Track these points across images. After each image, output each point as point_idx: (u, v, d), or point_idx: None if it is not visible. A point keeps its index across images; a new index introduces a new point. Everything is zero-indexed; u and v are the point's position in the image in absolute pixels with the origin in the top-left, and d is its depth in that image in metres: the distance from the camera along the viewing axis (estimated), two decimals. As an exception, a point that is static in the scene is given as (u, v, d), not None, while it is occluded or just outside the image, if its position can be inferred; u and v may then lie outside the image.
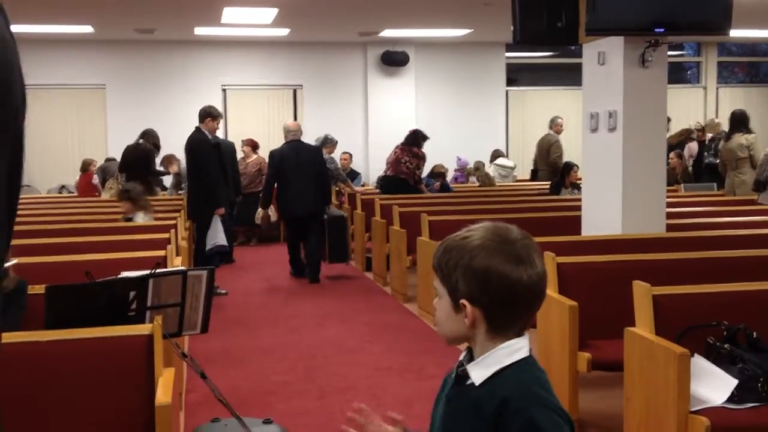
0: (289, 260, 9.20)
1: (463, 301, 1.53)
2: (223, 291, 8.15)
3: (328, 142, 10.49)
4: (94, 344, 3.00)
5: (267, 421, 2.84)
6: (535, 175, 11.90)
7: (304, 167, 8.58)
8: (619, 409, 3.81)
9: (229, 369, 5.56)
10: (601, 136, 5.83)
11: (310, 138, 10.58)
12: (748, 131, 9.56)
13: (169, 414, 2.72)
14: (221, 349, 6.08)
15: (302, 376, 5.36)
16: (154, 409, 2.74)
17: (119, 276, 3.20)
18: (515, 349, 1.54)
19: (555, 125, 11.48)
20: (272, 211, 11.59)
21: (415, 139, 9.81)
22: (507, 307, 1.52)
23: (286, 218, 9.18)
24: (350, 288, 8.51)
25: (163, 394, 2.82)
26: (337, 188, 10.48)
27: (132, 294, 3.14)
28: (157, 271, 3.24)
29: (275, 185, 8.92)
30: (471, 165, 12.46)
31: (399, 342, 6.19)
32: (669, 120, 11.31)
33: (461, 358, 1.61)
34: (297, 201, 8.62)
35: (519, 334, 1.56)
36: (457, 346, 1.68)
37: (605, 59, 5.73)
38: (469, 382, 1.55)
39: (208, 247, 8.03)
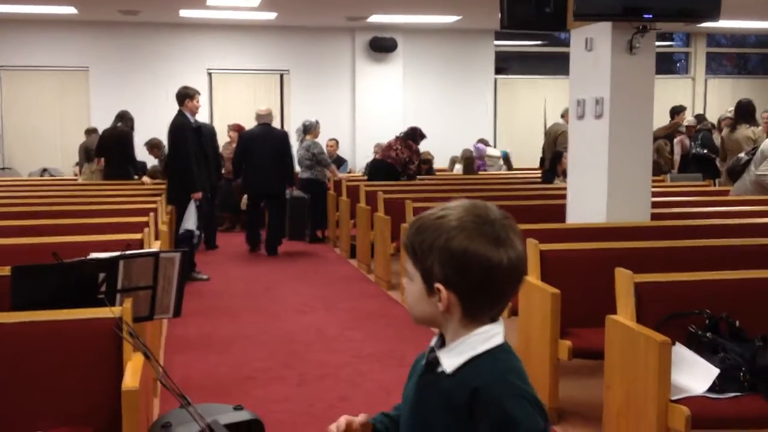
0: (246, 237, 9.87)
1: (438, 285, 1.43)
2: (205, 276, 8.07)
3: (309, 128, 10.40)
4: (61, 327, 2.92)
5: (238, 408, 2.76)
6: (543, 164, 11.74)
7: (270, 150, 9.27)
8: (599, 398, 3.77)
9: (208, 355, 5.49)
10: (588, 123, 5.76)
11: (298, 125, 10.65)
12: (755, 123, 9.45)
13: (136, 399, 2.65)
14: (200, 334, 6.01)
15: (281, 363, 5.29)
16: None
17: (88, 257, 3.11)
18: (489, 336, 1.46)
19: (567, 115, 11.28)
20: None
21: (413, 134, 10.06)
22: (485, 292, 1.43)
23: (249, 194, 9.74)
24: (333, 275, 8.44)
25: (130, 378, 2.75)
26: (315, 176, 10.40)
27: (102, 276, 3.05)
28: (128, 252, 3.16)
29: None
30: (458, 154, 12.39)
31: (381, 329, 6.13)
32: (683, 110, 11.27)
33: (432, 343, 1.53)
34: (261, 180, 9.34)
35: (494, 320, 1.48)
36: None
37: (593, 45, 5.66)
38: (440, 369, 1.47)
39: (180, 231, 7.94)
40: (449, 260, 1.41)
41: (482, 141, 12.60)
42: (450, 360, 1.46)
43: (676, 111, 11.30)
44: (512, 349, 1.49)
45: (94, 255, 3.17)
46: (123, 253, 3.13)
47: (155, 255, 3.26)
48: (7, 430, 2.75)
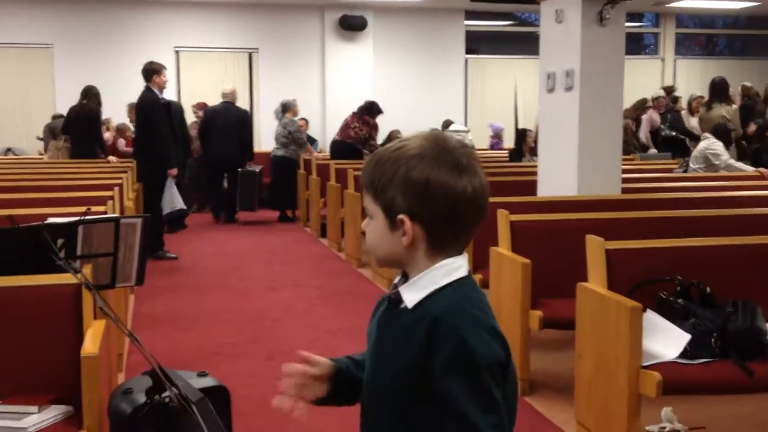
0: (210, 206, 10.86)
1: (401, 216, 1.38)
2: (173, 255, 7.95)
3: (287, 107, 10.46)
4: (18, 293, 2.82)
5: (202, 374, 2.68)
6: None
7: (229, 126, 10.05)
8: (571, 370, 3.74)
9: (174, 331, 5.39)
10: (558, 96, 5.73)
11: (268, 104, 11.00)
12: (729, 101, 9.48)
13: (95, 365, 2.56)
14: (167, 311, 5.91)
15: (249, 338, 5.22)
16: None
17: (45, 222, 3.00)
18: (453, 268, 1.40)
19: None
20: (226, 175, 11.38)
21: (370, 109, 10.02)
22: (449, 222, 1.38)
23: (210, 167, 10.54)
24: (303, 254, 8.36)
25: (90, 344, 2.66)
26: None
27: (60, 242, 2.95)
28: (87, 217, 3.05)
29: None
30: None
31: (351, 305, 6.07)
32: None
33: (395, 281, 1.47)
34: (219, 154, 10.16)
35: (459, 253, 1.43)
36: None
37: (563, 17, 5.62)
38: (402, 305, 1.42)
39: (166, 211, 7.83)
40: (411, 190, 1.36)
41: (447, 122, 12.51)
42: (411, 295, 1.40)
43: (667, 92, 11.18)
44: (475, 282, 1.44)
45: (52, 220, 3.07)
46: (81, 218, 3.03)
47: (116, 220, 3.16)
48: (-38, 400, 2.65)
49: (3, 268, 2.86)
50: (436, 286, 1.39)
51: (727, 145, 7.77)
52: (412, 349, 1.36)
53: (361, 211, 7.48)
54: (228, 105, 10.27)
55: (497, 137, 12.37)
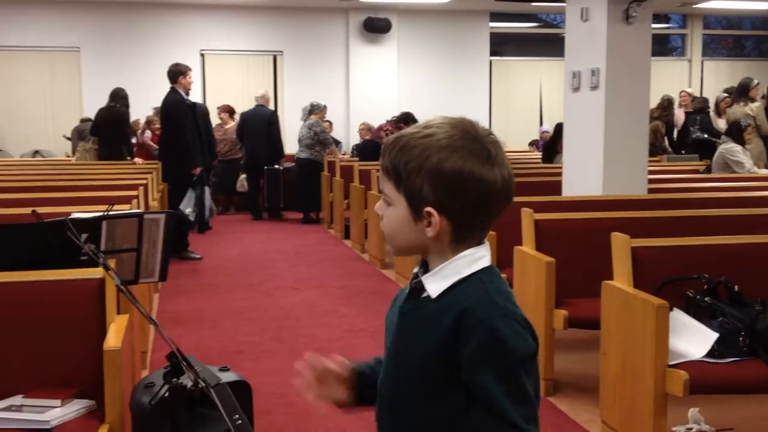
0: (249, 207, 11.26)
1: (428, 208, 1.33)
2: (198, 256, 7.98)
3: (316, 109, 10.62)
4: (43, 288, 2.83)
5: (223, 369, 2.69)
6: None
7: (258, 128, 10.64)
8: (595, 370, 3.70)
9: (199, 330, 5.41)
10: (583, 95, 5.68)
11: (292, 107, 11.31)
12: (751, 100, 9.39)
13: (118, 358, 2.56)
14: (192, 310, 5.93)
15: (273, 337, 5.22)
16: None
17: (69, 217, 3.02)
18: (476, 258, 1.37)
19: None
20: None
21: (406, 119, 10.06)
22: (478, 214, 1.35)
23: (245, 167, 11.15)
24: (327, 255, 8.36)
25: (113, 338, 2.66)
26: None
27: (84, 237, 2.96)
28: (111, 212, 3.06)
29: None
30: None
31: (374, 305, 6.05)
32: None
33: (415, 270, 1.45)
34: (250, 154, 10.84)
35: (481, 242, 1.40)
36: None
37: (588, 15, 5.57)
38: (424, 295, 1.39)
39: (185, 210, 7.87)
40: (442, 183, 1.32)
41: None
42: (435, 284, 1.37)
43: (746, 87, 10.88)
44: (499, 272, 1.41)
45: (76, 215, 3.08)
46: (105, 213, 3.04)
47: (139, 216, 3.17)
48: (-13, 393, 2.66)
49: (27, 263, 2.88)
50: (460, 276, 1.36)
51: (742, 143, 7.68)
52: (437, 338, 1.34)
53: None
54: (259, 107, 10.80)
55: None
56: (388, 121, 10.23)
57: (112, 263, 2.92)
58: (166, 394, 2.24)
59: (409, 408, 1.40)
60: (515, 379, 1.29)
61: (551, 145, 9.33)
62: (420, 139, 1.35)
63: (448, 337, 1.32)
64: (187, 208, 7.83)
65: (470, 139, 1.34)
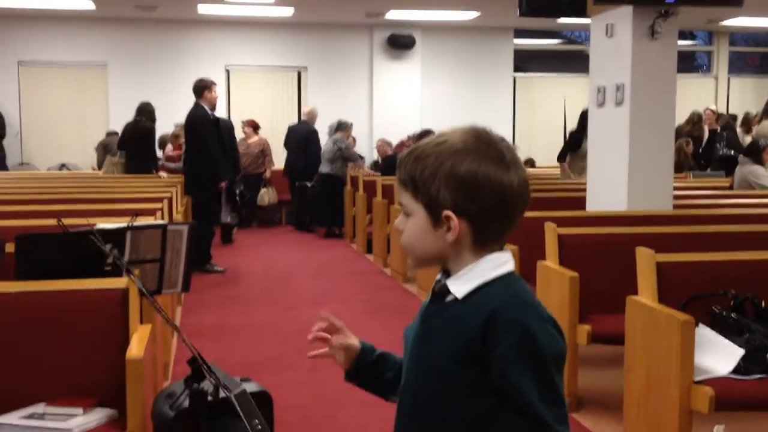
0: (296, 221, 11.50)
1: (447, 212, 1.35)
2: (220, 268, 8.01)
3: (343, 126, 10.77)
4: (66, 297, 2.86)
5: (245, 379, 2.69)
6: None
7: (296, 142, 11.09)
8: (619, 387, 3.66)
9: (221, 342, 5.42)
10: (608, 110, 5.65)
11: (317, 122, 11.29)
12: None
13: (140, 368, 2.57)
14: (214, 323, 5.94)
15: (294, 350, 5.21)
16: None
17: (94, 227, 3.04)
18: (501, 263, 1.38)
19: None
20: (273, 191, 11.51)
21: (427, 135, 9.95)
22: (496, 216, 1.36)
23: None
24: (349, 269, 8.36)
25: (135, 348, 2.67)
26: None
27: (108, 247, 2.98)
28: (135, 223, 3.09)
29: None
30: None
31: (396, 319, 6.03)
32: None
33: (438, 277, 1.45)
34: (289, 167, 11.23)
35: (501, 247, 1.41)
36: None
37: (613, 31, 5.55)
38: (449, 298, 1.39)
39: (223, 221, 8.07)
40: (458, 186, 1.34)
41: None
42: (460, 286, 1.38)
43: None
44: (523, 279, 1.41)
45: (100, 226, 3.11)
46: (129, 224, 3.06)
47: (163, 227, 3.19)
48: (11, 400, 2.68)
49: (51, 273, 2.90)
50: (485, 279, 1.36)
51: (761, 163, 7.58)
52: (463, 339, 1.34)
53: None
54: (302, 123, 11.39)
55: None
56: (409, 137, 10.28)
57: (135, 273, 2.94)
58: (188, 403, 2.24)
59: (436, 411, 1.39)
60: (548, 380, 1.30)
61: (576, 136, 9.02)
62: (434, 147, 1.38)
63: (475, 338, 1.32)
64: (227, 218, 8.01)
65: (484, 143, 1.37)
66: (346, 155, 10.58)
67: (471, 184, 1.34)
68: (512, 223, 1.39)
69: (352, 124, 11.02)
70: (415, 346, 1.45)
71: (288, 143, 11.25)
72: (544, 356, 1.30)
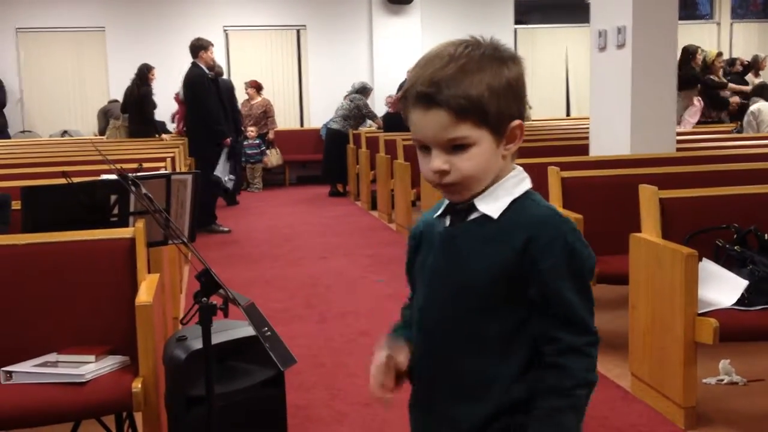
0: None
1: (516, 122, 1.35)
2: (226, 228, 8.05)
3: (366, 90, 11.01)
4: (74, 247, 2.88)
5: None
6: None
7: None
8: (623, 328, 3.69)
9: (229, 297, 5.45)
10: (610, 54, 5.62)
11: (316, 81, 11.63)
12: None
13: (150, 313, 2.60)
14: (221, 279, 5.97)
15: (302, 303, 5.26)
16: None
17: (98, 178, 3.06)
18: (522, 178, 1.39)
19: None
20: (278, 153, 11.50)
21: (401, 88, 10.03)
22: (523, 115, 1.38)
23: None
24: (354, 225, 8.39)
25: (144, 294, 2.70)
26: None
27: (113, 198, 3.00)
28: (139, 174, 3.10)
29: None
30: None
31: (403, 272, 6.03)
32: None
33: (444, 204, 1.42)
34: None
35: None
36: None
37: (613, -28, 5.50)
38: (473, 215, 1.37)
39: (223, 178, 8.00)
40: (514, 93, 1.34)
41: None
42: (491, 205, 1.36)
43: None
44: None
45: (105, 177, 3.12)
46: (134, 174, 3.07)
47: (167, 177, 3.20)
48: (22, 351, 2.72)
49: (58, 225, 2.92)
50: (512, 197, 1.36)
51: None
52: (503, 256, 1.33)
53: (412, 180, 7.51)
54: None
55: None
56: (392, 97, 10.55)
57: (141, 223, 2.96)
58: (199, 345, 2.27)
59: (464, 327, 1.38)
60: (587, 290, 1.35)
61: None
62: (463, 65, 1.31)
63: (515, 255, 1.32)
64: (224, 175, 7.93)
65: (494, 46, 1.35)
66: (365, 113, 10.78)
67: (521, 86, 1.35)
68: None
69: (372, 89, 11.28)
70: (439, 265, 1.41)
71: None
72: (585, 268, 1.34)
